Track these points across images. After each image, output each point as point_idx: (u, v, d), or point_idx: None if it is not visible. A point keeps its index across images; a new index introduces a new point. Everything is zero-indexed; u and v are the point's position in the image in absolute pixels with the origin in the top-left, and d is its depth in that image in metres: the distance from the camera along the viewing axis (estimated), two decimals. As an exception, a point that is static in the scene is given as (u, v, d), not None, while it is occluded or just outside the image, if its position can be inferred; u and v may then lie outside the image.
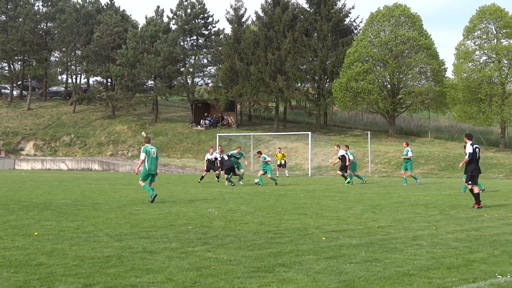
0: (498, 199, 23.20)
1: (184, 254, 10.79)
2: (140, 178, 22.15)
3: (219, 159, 36.18)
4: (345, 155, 35.37)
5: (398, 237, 13.08)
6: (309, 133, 51.19)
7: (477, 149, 19.80)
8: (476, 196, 19.56)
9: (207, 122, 71.58)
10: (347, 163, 35.20)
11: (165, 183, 35.73)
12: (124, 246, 11.71)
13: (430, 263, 10.10)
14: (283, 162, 46.91)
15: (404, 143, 35.73)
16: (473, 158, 19.71)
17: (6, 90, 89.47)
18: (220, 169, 36.35)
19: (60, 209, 19.11)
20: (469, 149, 19.65)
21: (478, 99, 55.99)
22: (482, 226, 15.04)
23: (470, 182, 19.72)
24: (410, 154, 34.07)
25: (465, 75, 57.15)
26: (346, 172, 35.19)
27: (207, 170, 37.62)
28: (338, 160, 36.28)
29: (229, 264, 9.95)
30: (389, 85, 62.32)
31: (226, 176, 33.91)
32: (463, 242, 12.30)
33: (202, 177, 37.48)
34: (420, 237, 13.00)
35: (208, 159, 37.74)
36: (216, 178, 37.41)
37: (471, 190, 19.83)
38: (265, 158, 34.27)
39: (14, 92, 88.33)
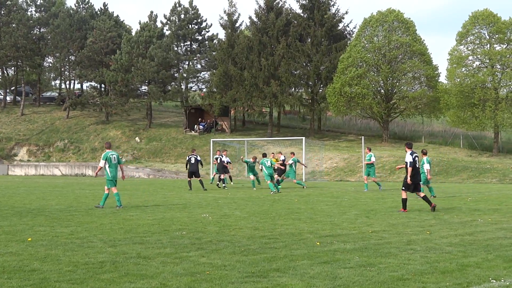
0: (491, 204, 23.25)
1: (178, 260, 10.78)
2: (108, 186, 21.82)
3: (220, 161, 37.63)
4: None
5: (392, 241, 13.09)
6: (303, 138, 51.20)
7: (416, 158, 20.23)
8: (404, 201, 20.07)
9: (201, 127, 71.53)
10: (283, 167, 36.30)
11: (159, 189, 35.69)
12: (118, 251, 11.70)
13: (424, 267, 10.11)
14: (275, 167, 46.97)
15: (367, 148, 35.67)
16: (414, 167, 20.12)
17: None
18: (224, 172, 37.26)
19: (54, 214, 19.07)
20: (408, 158, 20.05)
21: (471, 104, 56.10)
22: (476, 230, 15.06)
23: (409, 189, 20.19)
24: (373, 159, 33.70)
25: (458, 80, 57.27)
26: (279, 176, 35.57)
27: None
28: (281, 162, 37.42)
29: (223, 269, 9.95)
30: (382, 90, 62.41)
31: (189, 179, 34.23)
32: (457, 247, 12.32)
33: (220, 180, 37.26)
34: (414, 242, 13.02)
35: (219, 162, 37.80)
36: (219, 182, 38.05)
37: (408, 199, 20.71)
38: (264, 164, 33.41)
39: (8, 98, 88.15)
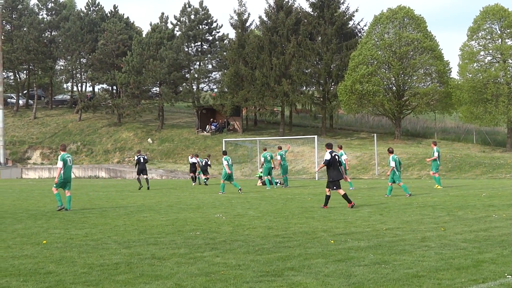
0: (506, 199, 23.14)
1: (192, 260, 10.79)
2: (55, 186, 21.80)
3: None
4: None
5: (407, 239, 13.06)
6: (315, 136, 51.10)
7: (336, 156, 20.88)
8: (326, 198, 21.05)
9: (213, 127, 71.58)
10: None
11: (172, 189, 35.76)
12: (133, 252, 11.73)
13: (439, 264, 10.08)
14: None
15: (337, 146, 35.33)
16: (332, 165, 20.76)
17: (12, 100, 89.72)
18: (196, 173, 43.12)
19: (68, 217, 19.14)
20: (327, 156, 20.77)
21: (484, 99, 55.88)
22: (491, 226, 15.01)
23: (331, 187, 20.89)
24: (344, 157, 33.15)
25: (470, 75, 57.06)
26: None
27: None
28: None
29: (238, 269, 9.96)
30: (394, 87, 62.24)
31: (138, 176, 37.05)
32: (471, 243, 12.28)
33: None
34: (429, 239, 12.99)
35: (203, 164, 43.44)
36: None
37: (336, 195, 21.59)
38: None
39: (20, 101, 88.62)
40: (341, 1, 67.73)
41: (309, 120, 74.52)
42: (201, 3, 75.21)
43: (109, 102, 79.20)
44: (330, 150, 20.87)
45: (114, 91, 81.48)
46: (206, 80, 75.96)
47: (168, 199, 27.24)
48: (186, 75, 75.16)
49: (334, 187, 20.77)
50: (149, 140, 71.43)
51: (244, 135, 67.48)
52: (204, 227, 15.68)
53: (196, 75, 73.71)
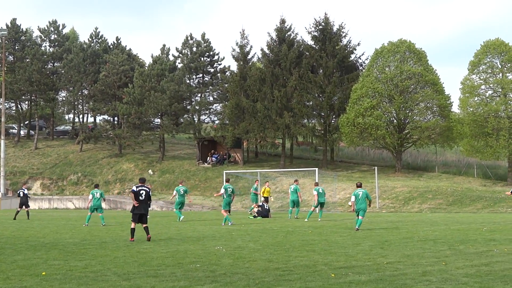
0: (507, 234, 23.07)
1: (192, 293, 10.74)
2: None
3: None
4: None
5: (408, 273, 13.01)
6: (316, 169, 51.05)
7: (141, 191, 21.88)
8: (132, 231, 21.86)
9: (213, 159, 71.61)
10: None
11: (173, 221, 35.68)
12: (132, 285, 11.68)
13: (441, 299, 10.03)
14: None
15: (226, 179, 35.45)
16: (139, 198, 21.89)
17: (13, 130, 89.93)
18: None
19: (68, 248, 19.09)
20: (133, 189, 21.98)
21: (485, 133, 55.96)
22: (492, 261, 14.95)
23: (135, 220, 21.92)
24: (222, 191, 32.79)
25: (471, 109, 57.20)
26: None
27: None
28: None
29: (238, 302, 9.91)
30: (395, 121, 62.28)
31: (19, 209, 40.32)
32: (473, 278, 12.22)
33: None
34: (430, 273, 12.93)
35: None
36: None
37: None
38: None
39: (21, 132, 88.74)
40: (343, 35, 68.12)
41: (310, 153, 74.56)
42: (203, 36, 75.71)
43: (110, 133, 79.34)
44: (140, 184, 22.24)
45: (115, 122, 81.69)
46: (207, 111, 76.17)
47: (168, 230, 27.17)
48: (187, 107, 75.38)
49: (137, 220, 21.81)
50: (150, 171, 71.43)
51: (245, 167, 67.47)
52: (204, 260, 15.63)
53: (197, 107, 73.93)
